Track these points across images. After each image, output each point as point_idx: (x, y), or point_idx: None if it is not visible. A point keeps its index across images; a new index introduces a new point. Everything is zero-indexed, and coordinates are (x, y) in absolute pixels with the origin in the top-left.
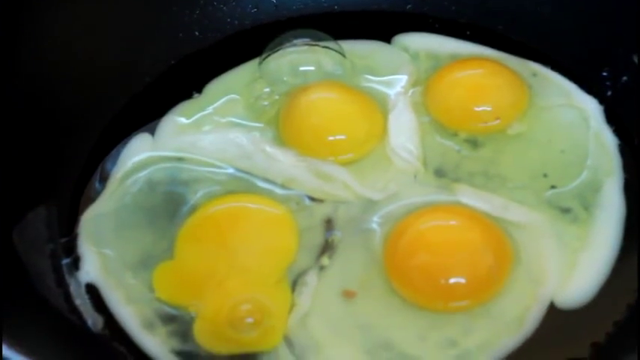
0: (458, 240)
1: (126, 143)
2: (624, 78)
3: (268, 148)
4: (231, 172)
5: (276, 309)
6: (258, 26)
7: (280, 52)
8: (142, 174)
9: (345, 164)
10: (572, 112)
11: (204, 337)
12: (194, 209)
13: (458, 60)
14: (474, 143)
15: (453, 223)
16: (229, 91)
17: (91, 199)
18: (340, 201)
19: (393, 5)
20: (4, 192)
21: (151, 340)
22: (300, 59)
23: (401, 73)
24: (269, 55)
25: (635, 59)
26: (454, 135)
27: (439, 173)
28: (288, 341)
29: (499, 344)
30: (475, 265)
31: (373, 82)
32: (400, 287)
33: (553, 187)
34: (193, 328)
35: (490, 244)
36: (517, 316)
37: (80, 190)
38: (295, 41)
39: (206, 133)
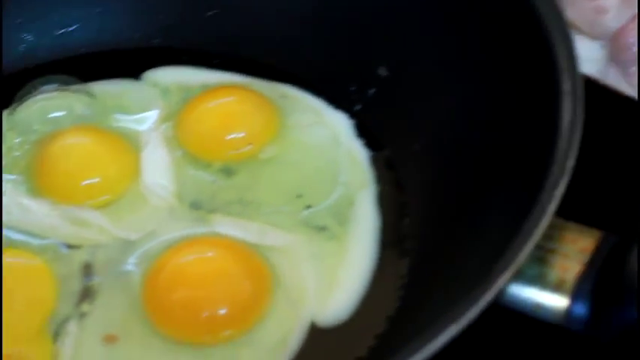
0: (213, 271)
1: None
2: (372, 90)
3: (24, 201)
4: None
5: None
6: (5, 77)
7: (29, 100)
8: None
9: (103, 207)
10: (323, 130)
11: None
12: None
13: (205, 90)
14: (228, 172)
15: (207, 254)
16: None
17: None
18: (98, 245)
19: (140, 41)
20: None
21: None
22: (49, 106)
23: (152, 109)
24: (18, 105)
25: (382, 72)
26: (208, 166)
27: (195, 206)
28: None
29: None
30: (232, 295)
31: (125, 120)
32: (159, 325)
33: (308, 206)
34: None
35: (247, 271)
36: (279, 340)
37: None
38: (44, 88)
39: None
